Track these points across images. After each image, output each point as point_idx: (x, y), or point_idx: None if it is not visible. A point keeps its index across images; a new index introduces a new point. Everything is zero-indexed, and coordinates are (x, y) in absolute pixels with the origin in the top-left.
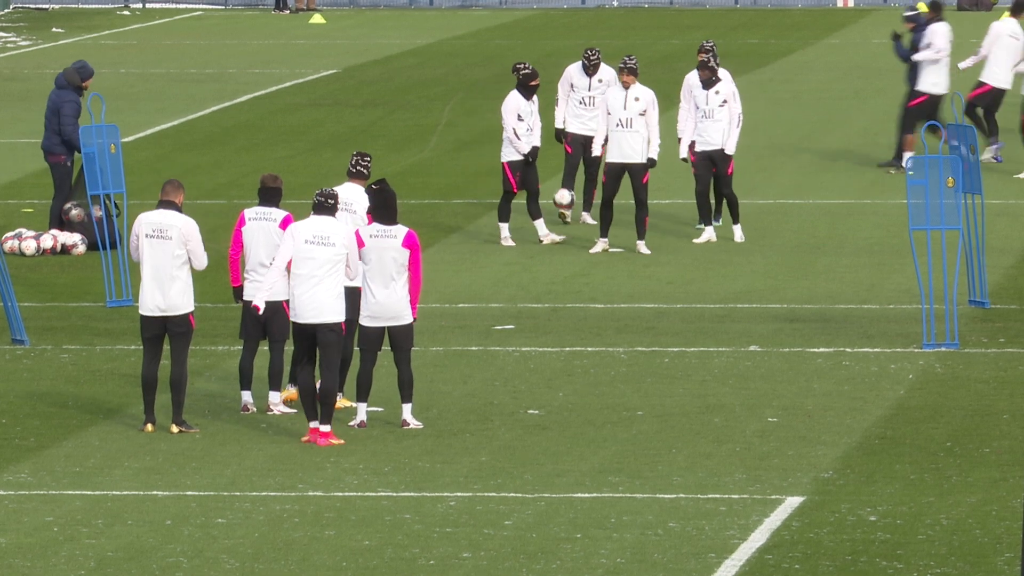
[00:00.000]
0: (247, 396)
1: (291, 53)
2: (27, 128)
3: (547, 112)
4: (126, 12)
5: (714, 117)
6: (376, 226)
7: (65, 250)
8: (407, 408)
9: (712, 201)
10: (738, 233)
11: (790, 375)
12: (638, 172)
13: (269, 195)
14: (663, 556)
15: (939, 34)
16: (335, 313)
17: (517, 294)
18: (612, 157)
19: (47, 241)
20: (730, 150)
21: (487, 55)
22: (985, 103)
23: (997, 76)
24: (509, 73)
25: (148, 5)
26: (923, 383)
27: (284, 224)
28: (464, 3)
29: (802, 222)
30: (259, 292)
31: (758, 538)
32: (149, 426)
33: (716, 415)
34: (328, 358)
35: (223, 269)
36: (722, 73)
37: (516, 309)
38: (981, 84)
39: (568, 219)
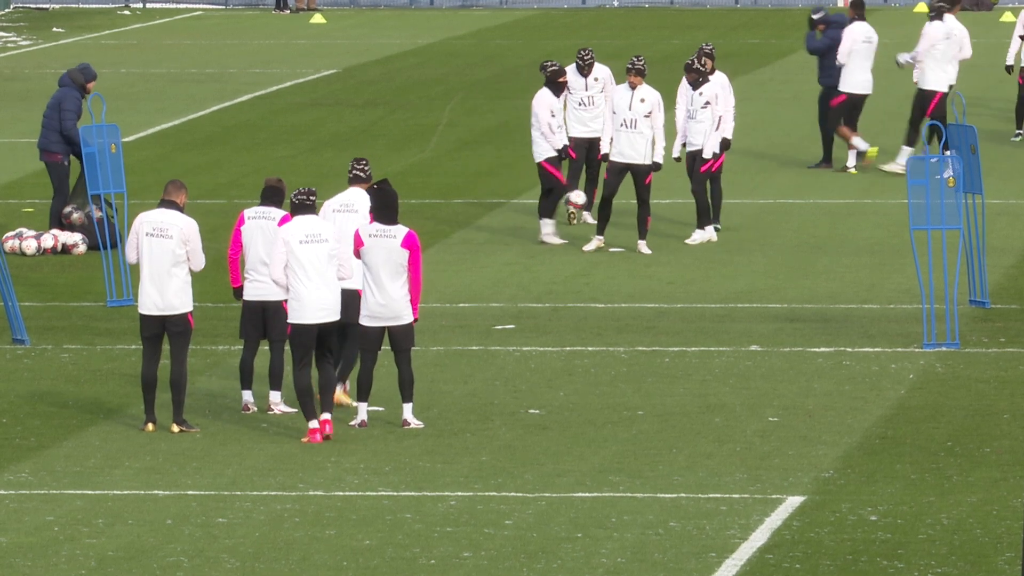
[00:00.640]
0: (248, 396)
1: (291, 53)
2: (27, 128)
3: None
4: (126, 12)
5: (697, 118)
6: (376, 226)
7: (66, 250)
8: (408, 408)
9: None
10: (696, 235)
11: (791, 375)
12: (641, 173)
13: (271, 195)
14: (664, 556)
15: (847, 37)
16: (338, 310)
17: (518, 294)
18: (615, 156)
19: (48, 241)
20: (707, 153)
21: (488, 55)
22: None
23: (850, 81)
24: (508, 73)
25: (148, 5)
26: (924, 383)
27: (283, 223)
28: (465, 3)
29: (803, 222)
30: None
31: (759, 538)
32: (150, 426)
33: (717, 415)
34: (331, 350)
35: (223, 269)
36: (717, 76)
37: (517, 309)
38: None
39: (576, 220)
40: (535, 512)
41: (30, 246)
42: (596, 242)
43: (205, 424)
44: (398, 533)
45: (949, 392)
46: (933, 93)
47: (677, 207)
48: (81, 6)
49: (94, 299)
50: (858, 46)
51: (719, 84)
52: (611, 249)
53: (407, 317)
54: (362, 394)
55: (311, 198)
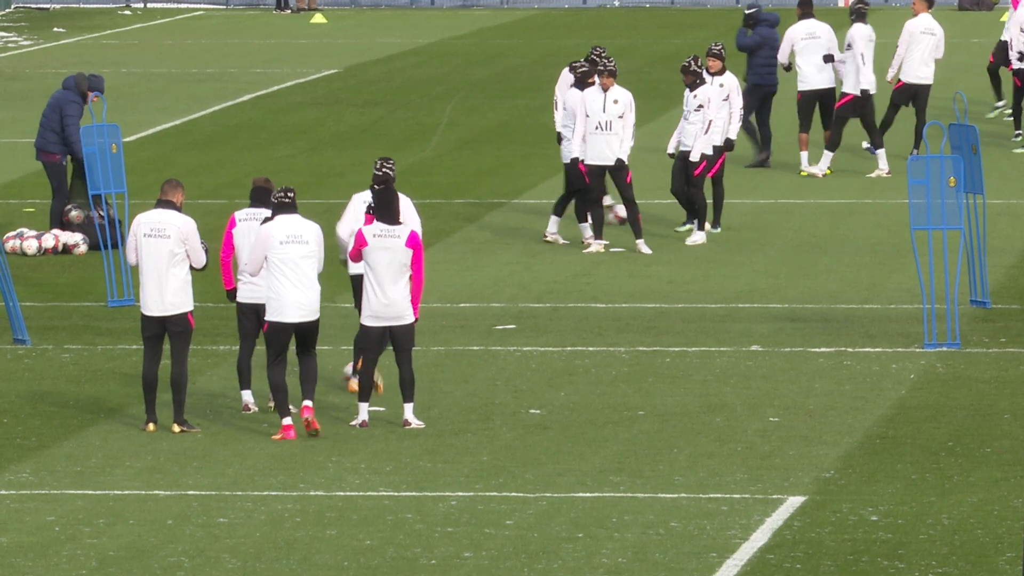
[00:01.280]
0: (247, 396)
1: (292, 53)
2: (28, 128)
3: (544, 114)
4: (127, 12)
5: (690, 119)
6: (379, 226)
7: (67, 250)
8: (408, 408)
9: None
10: (696, 236)
11: (791, 375)
12: (619, 172)
13: (260, 195)
14: (664, 556)
15: (786, 37)
16: (317, 310)
17: (518, 294)
18: (591, 159)
19: (49, 241)
20: (694, 156)
21: (488, 55)
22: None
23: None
24: (509, 72)
25: (149, 5)
26: (924, 383)
27: None
28: (465, 3)
29: (803, 221)
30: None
31: (759, 538)
32: (151, 425)
33: (717, 415)
34: (310, 348)
35: None
36: (727, 76)
37: (517, 309)
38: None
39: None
40: (536, 512)
41: (31, 246)
42: (597, 245)
43: (206, 424)
44: (399, 533)
45: (950, 392)
46: (843, 95)
47: (677, 207)
48: (82, 6)
49: (95, 299)
50: (787, 47)
51: (730, 85)
52: (611, 249)
53: (409, 317)
54: (363, 394)
55: (289, 196)
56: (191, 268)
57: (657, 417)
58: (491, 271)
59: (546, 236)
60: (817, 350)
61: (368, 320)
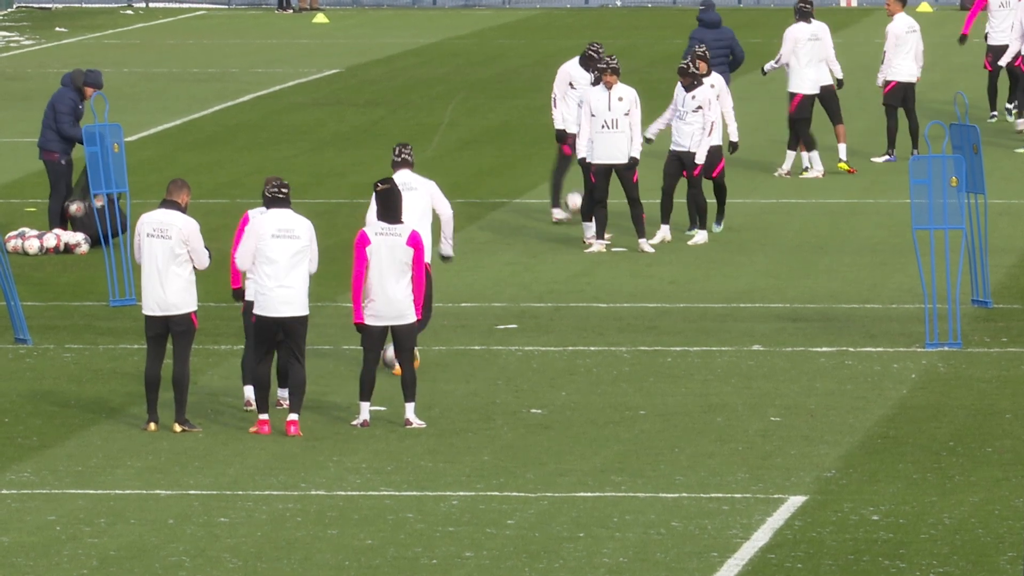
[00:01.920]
0: (249, 392)
1: (294, 52)
2: (30, 128)
3: (546, 114)
4: (129, 11)
5: (687, 120)
6: (382, 224)
7: (68, 249)
8: (410, 407)
9: (712, 201)
10: (700, 236)
11: (793, 374)
12: (626, 171)
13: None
14: (665, 555)
15: (787, 38)
16: (304, 306)
17: (519, 293)
18: (598, 158)
19: (50, 240)
20: (699, 158)
21: (489, 55)
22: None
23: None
24: (510, 72)
25: (151, 5)
26: (926, 382)
27: None
28: (467, 3)
29: (804, 221)
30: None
31: (760, 537)
32: (152, 425)
33: (719, 414)
34: (298, 349)
35: (225, 268)
36: (713, 78)
37: (518, 308)
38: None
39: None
40: (537, 512)
41: (32, 245)
42: (599, 245)
43: (207, 423)
44: (400, 533)
45: (951, 392)
46: (793, 95)
47: (678, 207)
48: (84, 6)
49: (96, 299)
50: (800, 46)
51: (719, 86)
52: (613, 249)
53: (410, 316)
54: (364, 393)
55: (283, 191)
56: (194, 268)
57: (658, 417)
58: (492, 271)
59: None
60: (818, 350)
61: (370, 319)
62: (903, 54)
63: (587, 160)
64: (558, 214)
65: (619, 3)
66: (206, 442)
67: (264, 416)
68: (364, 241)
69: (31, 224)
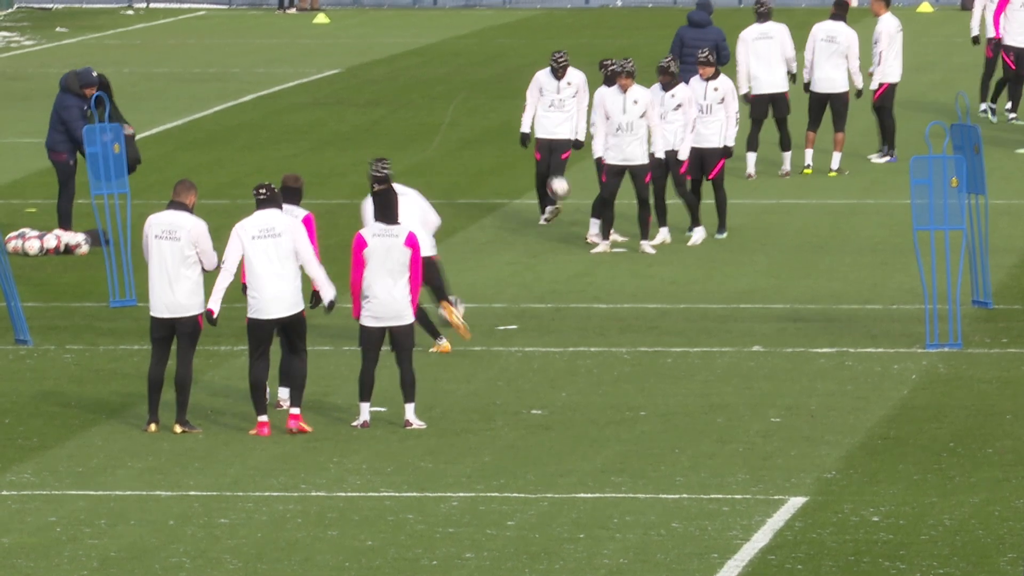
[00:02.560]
0: (283, 392)
1: (295, 52)
2: (30, 128)
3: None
4: (130, 12)
5: (668, 119)
6: (378, 226)
7: (68, 250)
8: (410, 408)
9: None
10: (697, 235)
11: (793, 375)
12: (640, 173)
13: (290, 195)
14: (666, 556)
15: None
16: (298, 303)
17: (520, 294)
18: (613, 159)
19: (50, 241)
20: (682, 155)
21: (490, 55)
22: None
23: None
24: (512, 72)
25: (152, 5)
26: (926, 383)
27: (306, 221)
28: (468, 3)
29: (805, 222)
30: (213, 297)
31: (761, 538)
32: (152, 426)
33: (719, 415)
34: (297, 344)
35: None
36: (720, 81)
37: (519, 309)
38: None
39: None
40: (537, 512)
41: (33, 246)
42: (604, 245)
43: (207, 425)
44: (400, 534)
45: (952, 392)
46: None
47: (679, 207)
48: (84, 6)
49: (97, 299)
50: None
51: (724, 89)
52: (614, 249)
53: (408, 317)
54: (364, 394)
55: (263, 192)
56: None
57: (659, 417)
58: (493, 271)
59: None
60: (819, 350)
61: (368, 320)
62: (894, 55)
63: (603, 160)
64: (546, 216)
65: (620, 3)
66: (206, 443)
67: (263, 418)
68: (361, 244)
69: (32, 225)
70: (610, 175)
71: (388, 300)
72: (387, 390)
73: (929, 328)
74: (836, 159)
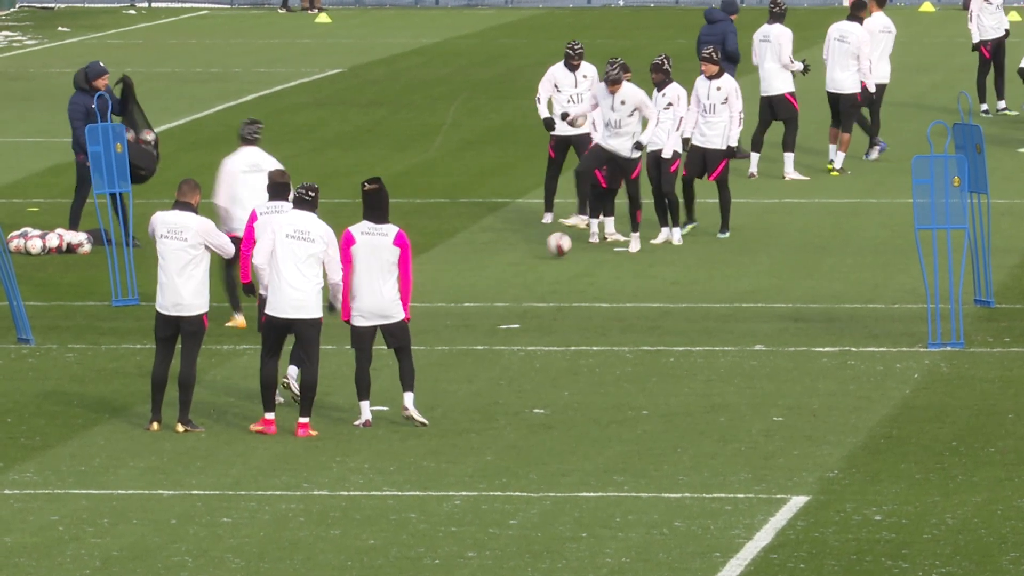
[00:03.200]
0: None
1: (296, 52)
2: (31, 128)
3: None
4: (132, 11)
5: (658, 119)
6: (367, 224)
7: (70, 249)
8: (408, 396)
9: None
10: (676, 235)
11: (795, 374)
12: (627, 167)
13: (278, 190)
14: (668, 555)
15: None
16: (316, 308)
17: (522, 294)
18: (601, 142)
19: (52, 240)
20: (666, 153)
21: (492, 54)
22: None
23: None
24: (513, 72)
25: (154, 4)
26: (928, 382)
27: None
28: (469, 2)
29: (807, 222)
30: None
31: (763, 537)
32: (155, 425)
33: (721, 414)
34: (309, 352)
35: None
36: (723, 80)
37: (521, 308)
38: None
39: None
40: (540, 512)
41: (35, 245)
42: (576, 220)
43: (209, 424)
44: (403, 533)
45: (954, 392)
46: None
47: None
48: (86, 5)
49: (99, 299)
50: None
51: (727, 88)
52: (615, 249)
53: (398, 315)
54: (362, 393)
55: (310, 194)
56: (215, 264)
57: (661, 417)
58: (494, 271)
59: (606, 238)
60: (821, 350)
61: (357, 320)
62: (877, 55)
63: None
64: (548, 218)
65: (622, 3)
66: (209, 442)
67: (270, 415)
68: (349, 240)
69: (33, 224)
70: (591, 152)
71: (376, 299)
72: (388, 389)
73: (931, 327)
74: (840, 158)
